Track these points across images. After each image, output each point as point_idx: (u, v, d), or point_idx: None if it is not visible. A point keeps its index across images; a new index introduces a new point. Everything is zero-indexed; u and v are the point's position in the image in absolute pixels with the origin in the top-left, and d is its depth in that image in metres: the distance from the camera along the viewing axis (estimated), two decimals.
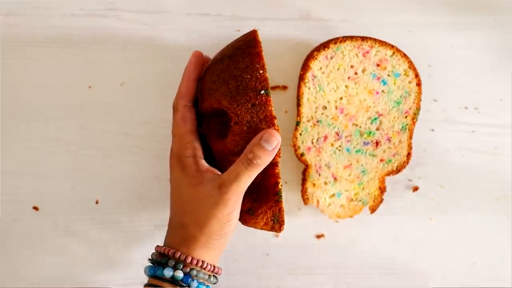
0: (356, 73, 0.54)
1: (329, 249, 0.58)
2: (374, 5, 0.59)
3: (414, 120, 0.54)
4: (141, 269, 0.56)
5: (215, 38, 0.58)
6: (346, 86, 0.54)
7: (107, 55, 0.58)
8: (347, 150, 0.54)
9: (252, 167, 0.46)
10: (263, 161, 0.46)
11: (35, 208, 0.57)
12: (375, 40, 0.54)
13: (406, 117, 0.54)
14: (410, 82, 0.53)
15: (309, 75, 0.54)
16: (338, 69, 0.53)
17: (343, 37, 0.54)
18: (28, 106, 0.57)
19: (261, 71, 0.48)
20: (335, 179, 0.55)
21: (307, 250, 0.57)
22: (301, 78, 0.54)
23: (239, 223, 0.51)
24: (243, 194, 0.48)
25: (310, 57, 0.54)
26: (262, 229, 0.51)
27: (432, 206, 0.58)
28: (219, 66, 0.49)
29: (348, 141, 0.54)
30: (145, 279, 0.57)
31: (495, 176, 0.58)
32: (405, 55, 0.54)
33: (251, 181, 0.47)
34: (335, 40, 0.54)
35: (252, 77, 0.48)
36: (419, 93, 0.54)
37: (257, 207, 0.50)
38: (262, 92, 0.47)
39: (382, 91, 0.53)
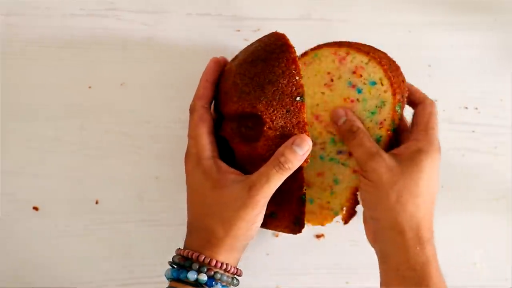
0: (332, 80, 0.52)
1: (329, 249, 0.58)
2: (374, 5, 0.59)
3: (389, 132, 0.51)
4: (141, 269, 0.56)
5: (215, 38, 0.58)
6: (322, 93, 0.52)
7: (107, 55, 0.58)
8: (321, 157, 0.53)
9: (282, 171, 0.46)
10: (294, 165, 0.46)
11: (35, 208, 0.57)
12: (350, 45, 0.51)
13: (380, 128, 0.51)
14: (385, 92, 0.50)
15: None
16: (315, 75, 0.52)
17: (320, 45, 0.53)
18: (28, 106, 0.57)
19: (297, 77, 0.47)
20: (308, 185, 0.54)
21: (307, 250, 0.57)
22: None
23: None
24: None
25: None
26: (281, 231, 0.51)
27: None
28: (251, 69, 0.48)
29: (322, 148, 0.53)
30: (144, 279, 0.57)
31: (495, 176, 0.59)
32: (380, 63, 0.50)
33: (279, 184, 0.47)
34: (313, 48, 0.52)
35: (288, 83, 0.47)
36: (394, 103, 0.50)
37: (281, 210, 0.50)
38: (298, 98, 0.47)
39: (357, 99, 0.51)
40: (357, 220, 0.57)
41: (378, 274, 0.57)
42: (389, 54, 0.59)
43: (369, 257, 0.58)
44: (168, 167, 0.57)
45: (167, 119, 0.58)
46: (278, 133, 0.47)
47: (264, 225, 0.51)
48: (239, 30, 0.59)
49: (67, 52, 0.58)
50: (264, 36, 0.52)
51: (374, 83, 0.50)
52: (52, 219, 0.57)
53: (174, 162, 0.57)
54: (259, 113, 0.47)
